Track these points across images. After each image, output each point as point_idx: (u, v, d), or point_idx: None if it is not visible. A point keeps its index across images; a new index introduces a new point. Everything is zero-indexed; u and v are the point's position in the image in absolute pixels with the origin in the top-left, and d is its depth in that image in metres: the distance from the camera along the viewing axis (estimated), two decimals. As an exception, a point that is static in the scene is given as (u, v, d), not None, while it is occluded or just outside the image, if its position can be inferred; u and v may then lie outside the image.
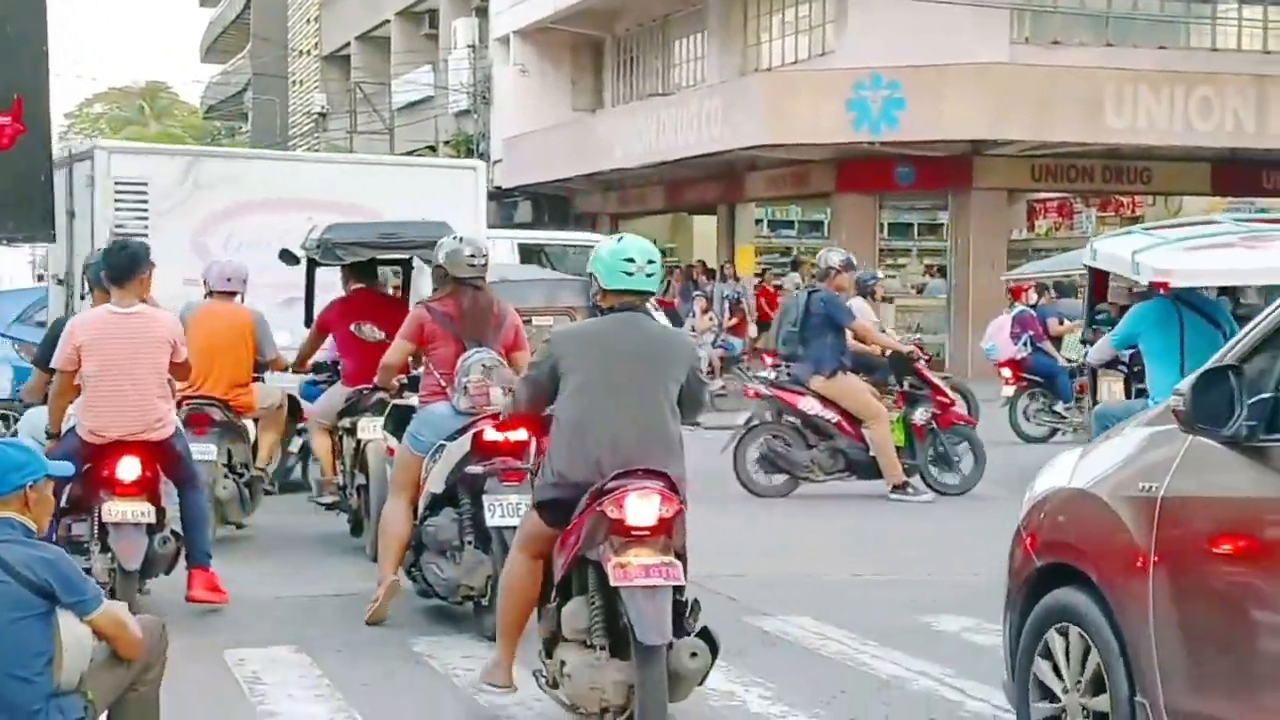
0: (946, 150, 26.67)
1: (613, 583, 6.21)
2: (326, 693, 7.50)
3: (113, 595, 8.20)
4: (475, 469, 8.37)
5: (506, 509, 8.20)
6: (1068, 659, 5.61)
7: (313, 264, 11.88)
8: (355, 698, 7.38)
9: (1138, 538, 5.26)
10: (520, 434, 8.43)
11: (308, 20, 53.75)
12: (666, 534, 6.36)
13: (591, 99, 35.41)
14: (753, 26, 29.87)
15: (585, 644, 6.46)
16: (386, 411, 10.12)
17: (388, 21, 43.89)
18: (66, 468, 5.86)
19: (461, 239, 9.34)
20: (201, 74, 73.95)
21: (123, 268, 8.74)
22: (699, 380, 6.97)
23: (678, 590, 6.38)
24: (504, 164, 34.89)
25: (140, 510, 8.69)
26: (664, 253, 31.36)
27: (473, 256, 9.10)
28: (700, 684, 6.59)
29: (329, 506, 11.58)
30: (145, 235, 13.05)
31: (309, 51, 53.06)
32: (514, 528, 7.71)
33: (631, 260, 6.80)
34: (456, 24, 38.07)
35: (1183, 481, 5.18)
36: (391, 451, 9.60)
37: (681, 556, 6.48)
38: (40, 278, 26.82)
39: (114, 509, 8.61)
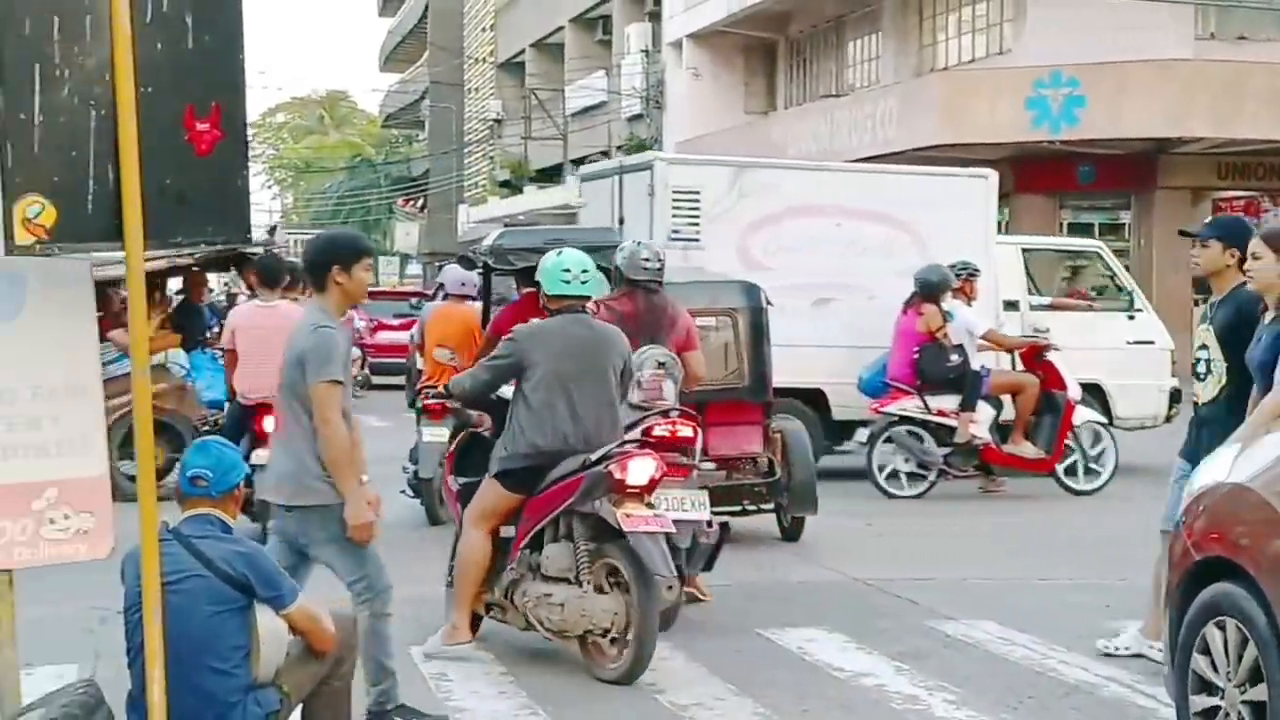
0: (1128, 149, 26.20)
1: (625, 529, 7.59)
2: (510, 690, 7.59)
3: (254, 519, 10.90)
4: None
5: (671, 503, 8.51)
6: (1226, 652, 5.70)
7: (488, 270, 12.17)
8: (538, 695, 7.45)
9: None
10: (688, 430, 8.81)
11: (483, 29, 54.35)
12: (649, 491, 7.83)
13: (764, 102, 35.35)
14: (928, 26, 29.62)
15: (569, 581, 7.82)
16: None
17: (562, 28, 44.24)
18: (247, 468, 6.05)
19: (639, 243, 9.97)
20: (380, 83, 75.16)
21: (268, 272, 11.88)
22: (630, 367, 8.35)
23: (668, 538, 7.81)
24: (677, 168, 34.97)
25: None
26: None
27: (648, 260, 9.68)
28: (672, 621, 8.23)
29: None
30: (697, 240, 14.90)
31: (485, 59, 53.64)
32: (680, 522, 8.36)
33: (568, 270, 8.11)
34: (630, 30, 38.25)
35: None
36: None
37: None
38: (224, 284, 27.45)
39: (260, 454, 10.54)
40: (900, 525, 12.91)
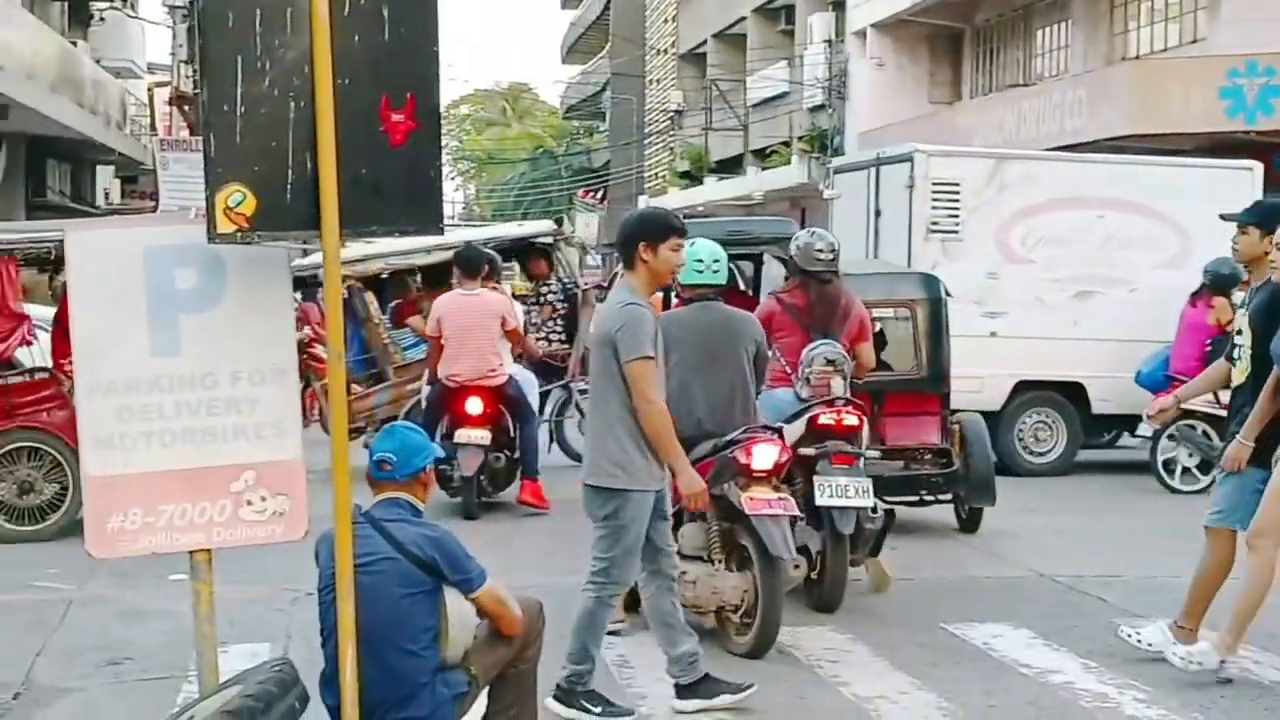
0: (1326, 139, 25.44)
1: (748, 511, 7.85)
2: (693, 678, 7.59)
3: (454, 495, 12.29)
4: (808, 451, 8.84)
5: (835, 490, 8.75)
6: None
7: None
8: (721, 684, 7.46)
9: None
10: (852, 419, 9.03)
11: (665, 20, 54.44)
12: (777, 475, 8.05)
13: (949, 91, 34.92)
14: (1119, 14, 29.02)
15: (701, 560, 8.13)
16: None
17: (744, 19, 44.10)
18: (440, 451, 6.15)
19: (814, 233, 9.97)
20: (562, 74, 75.71)
21: (468, 263, 12.62)
22: (764, 352, 8.57)
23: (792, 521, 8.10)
24: (859, 159, 34.74)
25: (480, 435, 12.28)
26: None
27: (822, 251, 9.70)
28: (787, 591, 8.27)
29: None
30: (955, 232, 15.10)
31: (666, 50, 53.73)
32: (842, 508, 8.71)
33: (700, 260, 8.42)
34: (813, 19, 38.03)
35: None
36: None
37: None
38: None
39: (462, 434, 12.22)
40: (1084, 522, 12.71)
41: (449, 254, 13.53)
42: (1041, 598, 9.48)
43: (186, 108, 41.25)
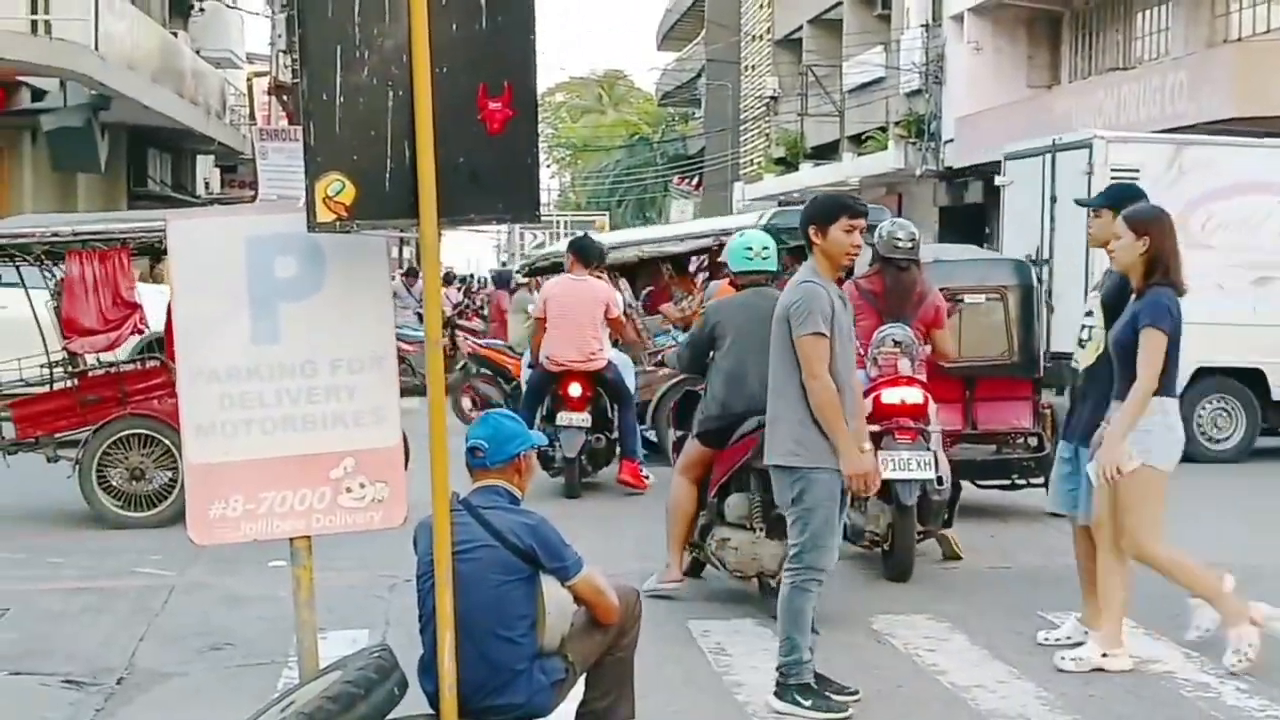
0: None
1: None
2: (789, 666, 7.58)
3: (556, 475, 12.79)
4: (874, 428, 8.87)
5: (898, 463, 9.17)
6: None
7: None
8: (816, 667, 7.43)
9: None
10: (917, 395, 9.45)
11: (761, 5, 54.26)
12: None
13: (1047, 75, 34.55)
14: (1221, -4, 28.62)
15: (744, 528, 8.63)
16: None
17: (840, 4, 43.85)
18: (542, 438, 6.17)
19: (895, 222, 10.36)
20: (657, 61, 75.65)
21: (585, 251, 13.22)
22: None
23: None
24: (955, 144, 34.44)
25: (580, 418, 12.78)
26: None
27: (901, 240, 10.01)
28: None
29: None
30: None
31: (762, 36, 53.56)
32: (905, 481, 9.16)
33: (750, 249, 9.22)
34: (910, 3, 37.76)
35: None
36: None
37: None
38: (504, 263, 27.59)
39: (564, 416, 12.73)
40: (1185, 510, 12.52)
41: (705, 242, 13.94)
42: (1142, 586, 9.33)
43: (285, 97, 41.66)
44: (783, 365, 6.92)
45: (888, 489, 8.97)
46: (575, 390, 12.87)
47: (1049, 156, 16.33)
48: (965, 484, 11.17)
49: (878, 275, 10.02)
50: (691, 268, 16.37)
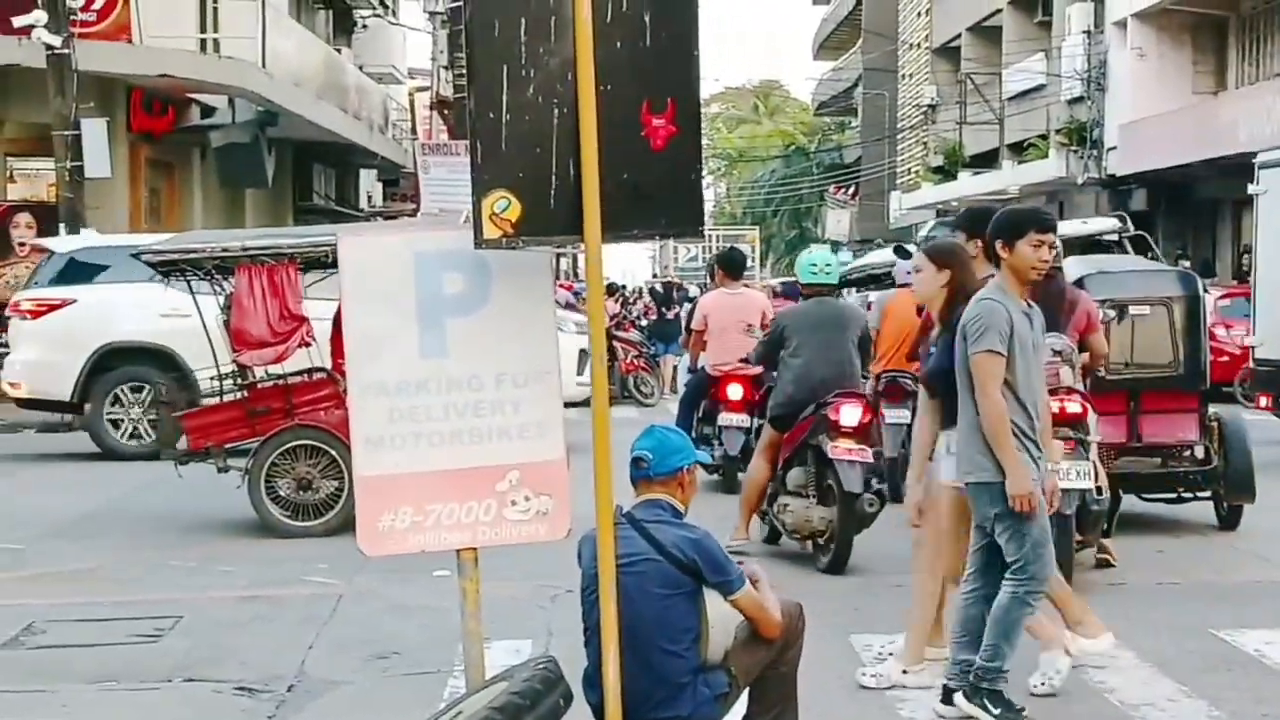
0: None
1: (832, 457, 10.05)
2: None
3: (712, 473, 13.64)
4: None
5: (1060, 474, 8.96)
6: None
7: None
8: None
9: None
10: (1075, 406, 9.31)
11: (918, 14, 53.92)
12: (864, 432, 10.15)
13: (1213, 81, 33.94)
14: (1395, -4, 27.92)
15: (801, 495, 10.39)
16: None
17: (999, 11, 43.44)
18: (704, 456, 6.19)
19: None
20: (814, 71, 75.38)
21: (733, 265, 14.49)
22: (867, 336, 11.08)
23: (868, 467, 10.09)
24: (1119, 151, 33.94)
25: (740, 419, 13.46)
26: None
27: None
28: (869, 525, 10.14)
29: None
30: None
31: (919, 44, 53.20)
32: (1064, 490, 8.64)
33: (815, 265, 10.89)
34: (1070, 10, 37.28)
35: None
36: None
37: (874, 446, 10.37)
38: (655, 275, 27.51)
39: (724, 417, 13.60)
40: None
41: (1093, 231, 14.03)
42: (1146, 615, 9.10)
43: (446, 112, 42.22)
44: (963, 383, 6.84)
45: None
46: (735, 392, 13.51)
47: None
48: (1130, 497, 11.06)
49: None
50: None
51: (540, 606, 9.11)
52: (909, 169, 54.38)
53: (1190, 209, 33.85)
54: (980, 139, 44.87)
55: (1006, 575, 6.80)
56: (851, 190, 63.59)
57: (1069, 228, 14.70)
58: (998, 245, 6.87)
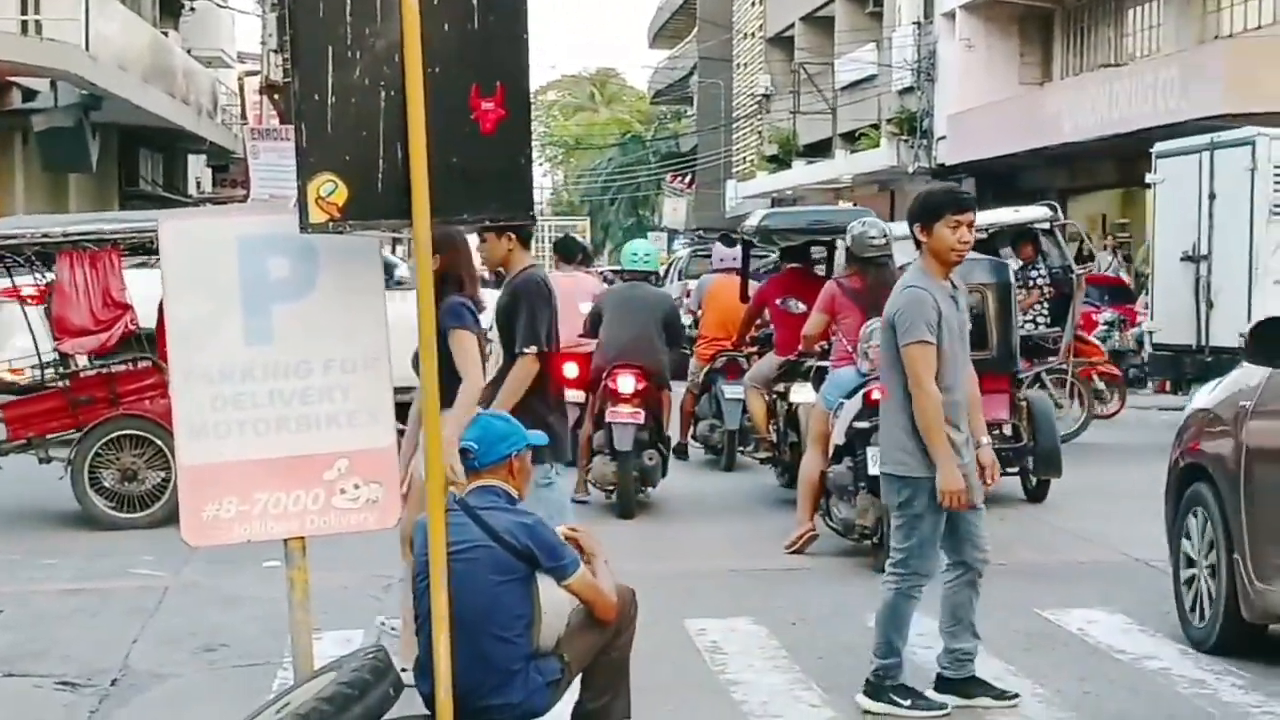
0: None
1: (609, 420, 11.71)
2: (785, 664, 7.59)
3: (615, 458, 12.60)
4: (863, 424, 9.63)
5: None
6: (1201, 534, 7.74)
7: (747, 246, 14.00)
8: (812, 669, 7.45)
9: (1236, 440, 7.42)
10: None
11: (753, 3, 54.24)
12: (641, 398, 11.75)
13: (1039, 72, 34.57)
14: (1212, -8, 28.64)
15: (601, 453, 11.98)
16: (813, 373, 11.37)
17: (831, 1, 43.89)
18: (541, 438, 6.13)
19: (866, 223, 10.97)
20: (650, 59, 75.55)
21: (566, 250, 14.63)
22: (672, 316, 12.41)
23: (644, 429, 11.74)
24: (948, 141, 34.45)
25: (575, 395, 12.45)
26: (1120, 227, 30.38)
27: (875, 238, 10.69)
28: (658, 479, 12.09)
29: (762, 461, 13.04)
30: None
31: (754, 34, 53.55)
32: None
33: (635, 253, 12.93)
34: (901, 1, 37.80)
35: (1266, 399, 7.32)
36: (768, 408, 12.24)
37: (656, 413, 12.01)
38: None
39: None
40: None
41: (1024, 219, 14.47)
42: (1137, 583, 9.37)
43: (276, 96, 41.57)
44: (891, 372, 6.81)
45: (875, 484, 9.11)
46: (571, 370, 13.14)
47: (1207, 154, 16.46)
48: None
49: (857, 275, 10.68)
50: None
51: (373, 596, 9.02)
52: (744, 158, 54.71)
53: (1017, 198, 34.28)
54: (814, 128, 45.27)
55: (888, 568, 6.87)
56: (688, 179, 63.84)
57: (999, 216, 15.19)
58: (916, 229, 6.78)
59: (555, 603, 5.64)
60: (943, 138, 34.81)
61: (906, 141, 36.34)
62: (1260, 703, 6.89)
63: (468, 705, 5.47)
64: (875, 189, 40.14)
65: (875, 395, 9.40)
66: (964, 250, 6.88)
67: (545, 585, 5.60)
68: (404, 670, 5.85)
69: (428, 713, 5.55)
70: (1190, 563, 7.89)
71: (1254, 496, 7.22)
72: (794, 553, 10.17)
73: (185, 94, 32.22)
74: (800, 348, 11.40)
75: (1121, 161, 30.88)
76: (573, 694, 5.88)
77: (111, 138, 30.29)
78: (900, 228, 11.04)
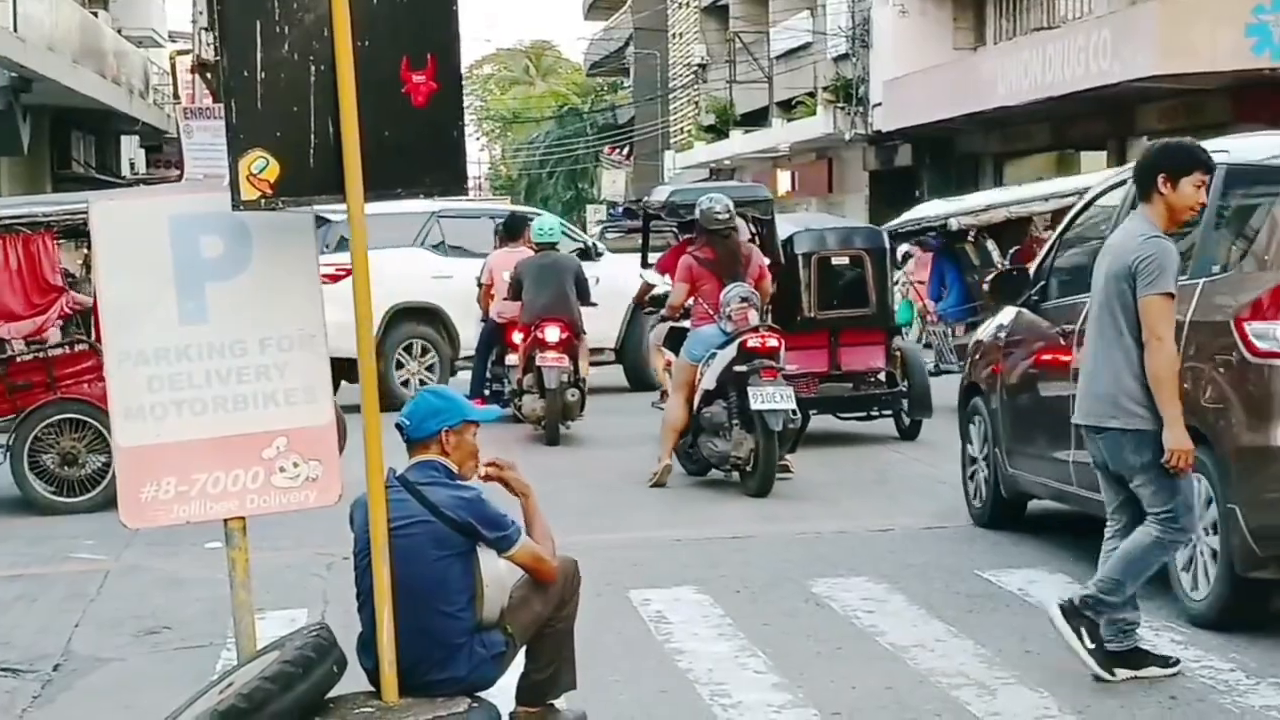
0: (1355, 74, 25.14)
1: (538, 364, 14.01)
2: (729, 632, 7.61)
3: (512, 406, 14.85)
4: (741, 368, 11.25)
5: (765, 396, 11.04)
6: (980, 436, 9.95)
7: (647, 219, 15.59)
8: (757, 637, 7.47)
9: (994, 363, 9.70)
10: (774, 341, 11.45)
11: (686, -27, 54.17)
12: (564, 345, 14.06)
13: (973, 37, 34.69)
14: (1142, -47, 28.77)
15: (530, 392, 14.47)
16: (665, 332, 12.94)
17: (765, -32, 43.90)
18: (487, 413, 6.11)
19: (712, 198, 12.12)
20: (585, 31, 75.32)
21: (512, 228, 16.25)
22: (581, 278, 14.58)
23: (565, 371, 14.04)
24: (884, 107, 34.53)
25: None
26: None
27: (720, 213, 11.90)
28: (579, 414, 14.50)
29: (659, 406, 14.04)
30: None
31: (688, 4, 53.49)
32: (773, 411, 10.99)
33: (543, 229, 15.07)
34: (834, -33, 37.82)
35: (1013, 331, 9.46)
36: (669, 363, 12.92)
37: (575, 358, 14.26)
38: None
39: (510, 358, 15.45)
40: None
41: (1069, 200, 13.98)
42: (1075, 542, 9.44)
43: (209, 75, 41.23)
44: (1112, 323, 6.53)
45: (748, 421, 11.11)
46: (519, 338, 14.96)
47: None
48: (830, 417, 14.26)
49: (708, 246, 11.91)
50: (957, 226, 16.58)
51: (315, 574, 9.00)
52: (681, 128, 54.70)
53: (953, 163, 34.59)
54: (751, 97, 45.30)
55: (1153, 518, 6.54)
56: (626, 151, 63.77)
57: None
58: (1160, 179, 6.51)
59: (497, 575, 5.64)
60: (879, 104, 34.88)
61: (843, 109, 36.39)
62: (1199, 656, 6.94)
63: (412, 680, 5.47)
64: (813, 157, 40.23)
65: (751, 343, 11.26)
66: (1196, 213, 6.74)
67: (487, 558, 5.60)
68: None
69: (372, 689, 5.54)
70: (973, 461, 10.05)
71: (1004, 405, 9.51)
72: (656, 485, 11.72)
73: (117, 74, 31.95)
74: (665, 314, 12.68)
75: (1056, 124, 31.07)
76: (518, 666, 5.88)
77: (43, 120, 29.99)
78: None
